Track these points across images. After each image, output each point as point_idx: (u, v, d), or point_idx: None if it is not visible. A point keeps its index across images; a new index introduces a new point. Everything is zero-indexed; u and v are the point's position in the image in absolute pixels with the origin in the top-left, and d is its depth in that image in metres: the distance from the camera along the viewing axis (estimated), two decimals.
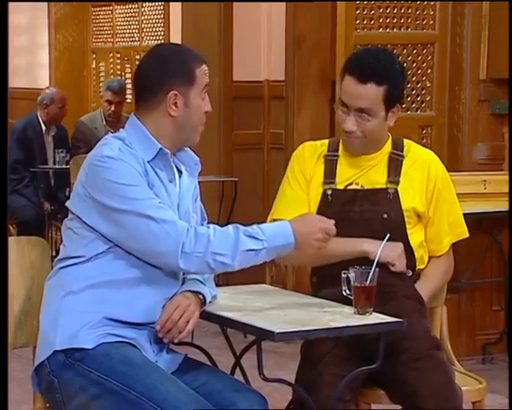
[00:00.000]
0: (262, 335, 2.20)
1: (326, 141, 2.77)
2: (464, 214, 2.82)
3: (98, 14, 7.57)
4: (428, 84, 4.74)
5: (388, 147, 2.72)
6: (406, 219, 2.65)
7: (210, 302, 2.34)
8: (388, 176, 2.67)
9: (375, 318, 2.32)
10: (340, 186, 2.68)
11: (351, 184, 2.66)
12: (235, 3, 5.76)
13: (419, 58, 4.72)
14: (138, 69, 2.37)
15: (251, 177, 5.79)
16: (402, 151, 2.71)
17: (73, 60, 7.65)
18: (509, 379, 2.71)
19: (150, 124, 2.31)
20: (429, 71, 4.74)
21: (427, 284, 2.71)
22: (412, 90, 4.69)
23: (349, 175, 2.68)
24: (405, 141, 2.76)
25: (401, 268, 2.62)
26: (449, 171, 2.81)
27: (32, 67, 7.98)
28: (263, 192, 5.79)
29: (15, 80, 8.17)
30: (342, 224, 2.51)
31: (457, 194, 3.88)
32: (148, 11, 6.93)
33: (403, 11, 4.66)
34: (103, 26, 7.52)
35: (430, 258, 2.75)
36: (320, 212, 2.58)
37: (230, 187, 5.55)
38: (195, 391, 2.24)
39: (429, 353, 2.51)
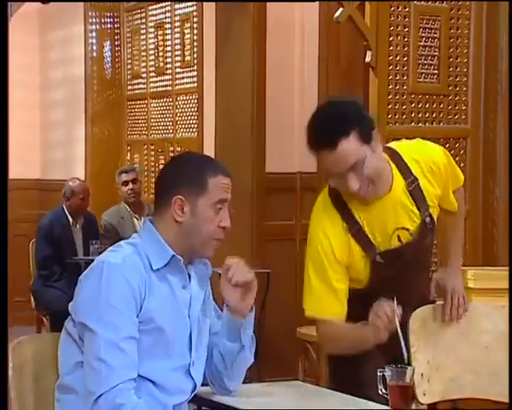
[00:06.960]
0: None
1: (336, 212, 2.63)
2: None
3: (134, 108, 7.71)
4: None
5: (399, 182, 2.64)
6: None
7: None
8: (419, 210, 2.65)
9: None
10: (382, 248, 2.62)
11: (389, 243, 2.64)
12: (267, 97, 5.83)
13: (451, 152, 4.70)
14: (158, 173, 2.39)
15: (283, 268, 5.76)
16: (411, 173, 2.65)
17: (109, 152, 7.77)
18: (509, 378, 2.63)
19: (163, 229, 2.28)
20: (462, 164, 4.73)
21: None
22: None
23: (382, 233, 2.63)
24: (405, 158, 2.67)
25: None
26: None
27: (69, 161, 8.11)
28: (295, 283, 5.76)
29: (51, 173, 8.30)
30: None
31: (495, 289, 3.79)
32: (182, 104, 7.04)
33: (434, 106, 4.68)
34: (138, 119, 7.66)
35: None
36: (373, 275, 2.63)
37: (263, 278, 5.52)
38: None
39: None
